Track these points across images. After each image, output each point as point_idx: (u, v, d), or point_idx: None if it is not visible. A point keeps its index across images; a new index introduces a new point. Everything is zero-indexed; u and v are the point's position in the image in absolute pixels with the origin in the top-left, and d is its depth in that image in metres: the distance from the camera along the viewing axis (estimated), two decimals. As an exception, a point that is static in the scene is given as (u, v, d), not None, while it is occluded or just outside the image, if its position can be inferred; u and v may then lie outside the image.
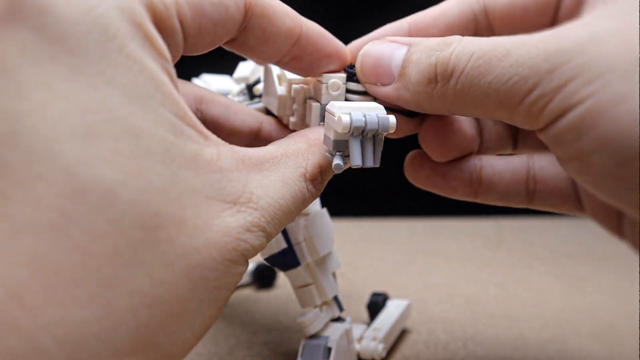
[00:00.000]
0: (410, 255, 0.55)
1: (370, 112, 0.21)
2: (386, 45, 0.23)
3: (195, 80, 0.34)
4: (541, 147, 0.28)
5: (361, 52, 0.24)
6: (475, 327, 0.36)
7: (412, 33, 0.26)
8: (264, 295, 0.43)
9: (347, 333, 0.29)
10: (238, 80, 0.32)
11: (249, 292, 0.43)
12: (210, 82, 0.33)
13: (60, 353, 0.14)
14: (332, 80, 0.24)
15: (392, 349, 0.33)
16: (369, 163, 0.21)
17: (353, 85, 0.24)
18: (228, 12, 0.20)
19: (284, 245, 0.28)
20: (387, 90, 0.23)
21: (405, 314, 0.35)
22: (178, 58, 0.20)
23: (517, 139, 0.29)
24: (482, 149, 0.28)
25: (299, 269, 0.28)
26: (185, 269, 0.16)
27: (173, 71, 0.18)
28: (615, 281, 0.47)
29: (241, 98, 0.31)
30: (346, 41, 0.26)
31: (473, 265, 0.51)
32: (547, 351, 0.33)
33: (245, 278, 0.43)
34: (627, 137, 0.17)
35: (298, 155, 0.21)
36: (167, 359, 0.17)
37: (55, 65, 0.16)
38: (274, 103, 0.27)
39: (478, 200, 0.28)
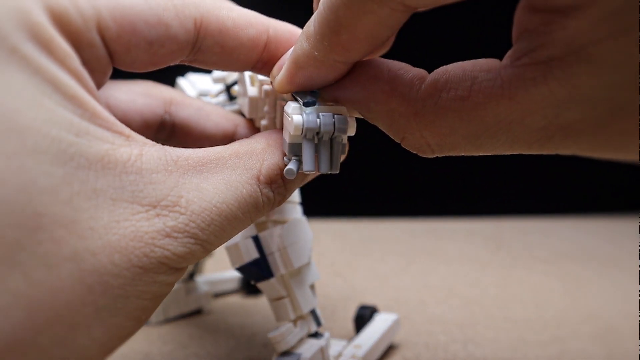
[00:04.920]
0: (409, 256, 0.55)
1: (326, 113, 0.19)
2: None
3: (180, 80, 0.33)
4: None
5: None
6: (475, 329, 0.36)
7: None
8: (264, 297, 0.43)
9: (322, 350, 0.27)
10: (216, 80, 0.30)
11: (245, 296, 0.43)
12: (195, 82, 0.32)
13: None
14: None
15: (392, 351, 0.33)
16: (324, 169, 0.19)
17: None
18: (169, 32, 0.19)
19: (255, 255, 0.26)
20: (284, 77, 0.20)
21: (392, 330, 0.32)
22: (108, 72, 0.19)
23: None
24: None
25: (272, 280, 0.26)
26: (76, 273, 0.16)
27: (83, 74, 0.17)
28: (616, 282, 0.46)
29: (221, 99, 0.30)
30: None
31: (472, 266, 0.51)
32: (547, 352, 0.33)
33: (233, 284, 0.43)
34: None
35: (251, 155, 0.20)
36: None
37: None
38: (245, 105, 0.26)
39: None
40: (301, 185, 0.23)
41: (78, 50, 0.18)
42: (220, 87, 0.31)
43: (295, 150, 0.19)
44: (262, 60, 0.21)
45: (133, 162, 0.17)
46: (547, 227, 0.68)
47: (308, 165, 0.19)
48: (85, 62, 0.18)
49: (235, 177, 0.19)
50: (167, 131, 0.26)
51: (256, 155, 0.20)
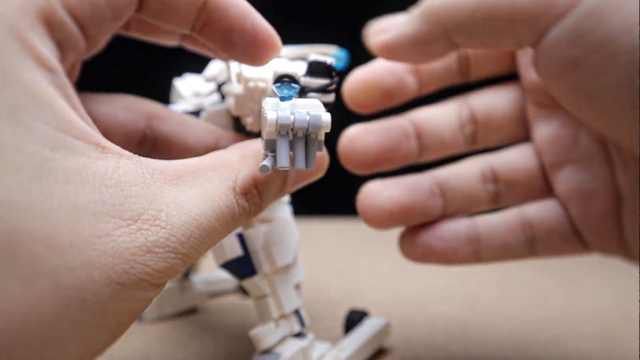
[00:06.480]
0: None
1: (301, 109, 0.19)
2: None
3: (177, 80, 0.33)
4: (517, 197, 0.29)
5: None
6: (475, 329, 0.36)
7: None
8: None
9: (304, 351, 0.27)
10: (208, 79, 0.31)
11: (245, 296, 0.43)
12: (191, 83, 0.33)
13: None
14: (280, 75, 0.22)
15: (391, 351, 0.33)
16: (299, 165, 0.19)
17: (307, 81, 0.22)
18: None
19: (239, 252, 0.26)
20: None
21: (379, 334, 0.32)
22: (84, 52, 0.19)
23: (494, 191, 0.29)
24: (450, 212, 0.29)
25: (256, 278, 0.26)
26: (53, 289, 0.15)
27: (62, 80, 0.17)
28: (616, 282, 0.46)
29: (214, 98, 0.30)
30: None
31: (472, 266, 0.51)
32: (548, 352, 0.33)
33: (231, 284, 0.43)
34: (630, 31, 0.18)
35: (227, 167, 0.20)
36: None
37: None
38: (232, 103, 0.26)
39: (481, 262, 0.28)
40: (278, 197, 0.23)
41: (52, 33, 0.17)
42: (212, 86, 0.31)
43: (271, 147, 0.19)
44: (201, 20, 0.22)
45: (111, 175, 0.17)
46: (547, 227, 0.68)
47: (282, 161, 0.19)
48: (60, 44, 0.18)
49: (212, 189, 0.19)
50: (149, 145, 0.26)
51: (231, 167, 0.20)
